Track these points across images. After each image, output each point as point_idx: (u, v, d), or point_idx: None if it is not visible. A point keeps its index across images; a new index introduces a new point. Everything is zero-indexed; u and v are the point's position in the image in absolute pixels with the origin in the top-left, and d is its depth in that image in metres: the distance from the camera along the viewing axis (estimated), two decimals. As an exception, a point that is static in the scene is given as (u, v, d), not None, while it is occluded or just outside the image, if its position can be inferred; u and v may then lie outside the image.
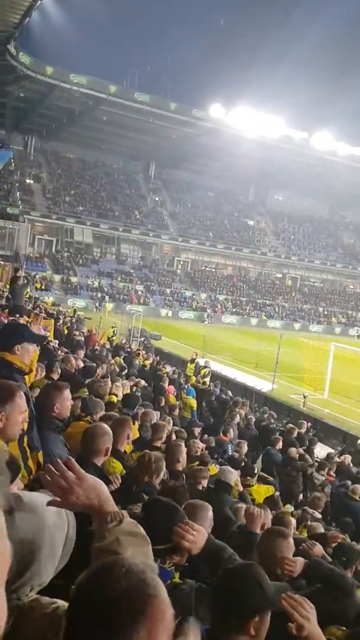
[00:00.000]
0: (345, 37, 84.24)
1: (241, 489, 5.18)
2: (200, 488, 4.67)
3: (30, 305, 19.60)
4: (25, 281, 15.70)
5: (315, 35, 76.62)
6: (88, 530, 1.41)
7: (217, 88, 73.03)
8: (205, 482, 4.83)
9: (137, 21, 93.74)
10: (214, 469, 5.73)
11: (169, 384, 14.20)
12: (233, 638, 1.73)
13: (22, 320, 7.28)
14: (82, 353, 12.40)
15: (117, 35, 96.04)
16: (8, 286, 15.69)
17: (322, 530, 5.55)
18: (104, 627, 0.91)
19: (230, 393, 16.73)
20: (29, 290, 21.79)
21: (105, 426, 3.47)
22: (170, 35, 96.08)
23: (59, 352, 10.70)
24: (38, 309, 17.06)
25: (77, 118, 52.93)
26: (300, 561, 2.80)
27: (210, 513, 3.17)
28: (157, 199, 63.00)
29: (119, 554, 1.26)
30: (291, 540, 3.07)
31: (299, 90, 69.70)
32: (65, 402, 3.84)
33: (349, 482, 8.68)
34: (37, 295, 29.35)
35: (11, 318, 8.12)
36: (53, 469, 1.43)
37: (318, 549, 3.43)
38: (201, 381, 16.93)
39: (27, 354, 3.51)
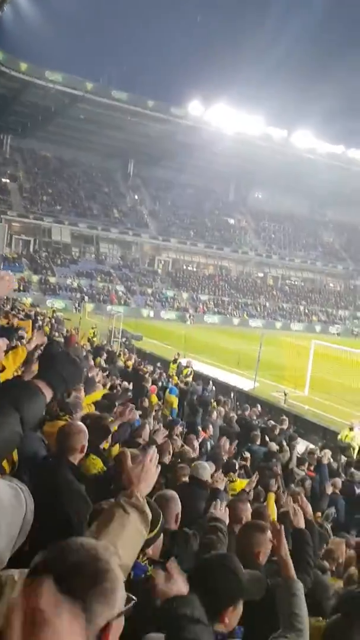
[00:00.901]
0: (324, 36, 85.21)
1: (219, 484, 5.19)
2: (178, 484, 4.68)
3: (8, 306, 19.39)
4: None
5: (293, 34, 77.31)
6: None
7: (196, 85, 73.49)
8: (185, 479, 4.84)
9: (114, 18, 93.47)
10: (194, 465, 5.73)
11: (151, 384, 14.18)
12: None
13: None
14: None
15: (93, 32, 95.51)
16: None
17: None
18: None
19: (212, 390, 16.76)
20: None
21: (81, 424, 3.43)
22: (148, 32, 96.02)
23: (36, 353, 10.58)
24: (15, 310, 16.90)
25: (53, 116, 52.47)
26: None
27: (179, 503, 3.24)
28: (136, 197, 62.83)
29: (127, 512, 1.53)
30: (269, 534, 3.10)
31: (278, 89, 70.34)
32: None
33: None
34: (14, 297, 29.06)
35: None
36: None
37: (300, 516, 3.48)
38: (183, 381, 16.95)
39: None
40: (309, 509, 3.79)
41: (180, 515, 3.25)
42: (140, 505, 1.59)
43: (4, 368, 3.68)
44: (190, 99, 55.70)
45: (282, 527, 2.69)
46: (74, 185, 58.59)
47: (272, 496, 6.06)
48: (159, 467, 1.82)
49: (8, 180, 54.01)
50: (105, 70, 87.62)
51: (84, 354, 15.25)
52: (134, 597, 1.15)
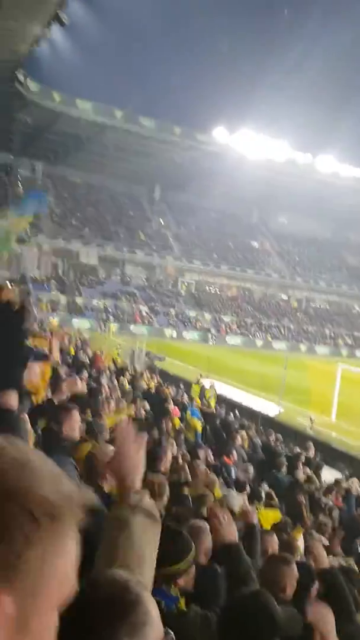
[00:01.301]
0: (347, 60, 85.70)
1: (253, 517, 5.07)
2: (205, 512, 4.59)
3: (35, 326, 19.62)
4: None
5: (317, 58, 77.94)
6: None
7: (221, 111, 74.21)
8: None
9: (140, 45, 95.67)
10: (218, 492, 5.64)
11: (174, 406, 14.09)
12: None
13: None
14: (86, 374, 12.35)
15: (121, 60, 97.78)
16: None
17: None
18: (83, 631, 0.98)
19: (235, 415, 16.58)
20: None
21: (107, 448, 3.40)
22: (174, 58, 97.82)
23: (64, 373, 10.65)
24: (43, 330, 17.08)
25: (83, 144, 53.75)
26: None
27: (209, 536, 3.11)
28: (161, 221, 63.51)
29: (129, 524, 1.33)
30: (294, 567, 3.03)
31: (302, 113, 70.83)
32: (74, 424, 3.81)
33: None
34: (42, 317, 29.44)
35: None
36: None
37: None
38: (206, 403, 16.83)
39: (32, 374, 3.48)
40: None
41: (210, 550, 3.17)
42: (142, 506, 1.38)
43: (37, 390, 3.71)
44: (216, 124, 56.63)
45: None
46: (102, 209, 59.62)
47: (299, 529, 5.92)
48: (141, 443, 1.44)
49: (39, 205, 55.26)
50: (132, 96, 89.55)
51: (108, 373, 15.31)
52: (170, 630, 1.13)
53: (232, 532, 2.61)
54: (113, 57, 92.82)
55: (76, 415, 3.76)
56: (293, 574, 3.01)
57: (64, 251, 52.26)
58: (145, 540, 1.35)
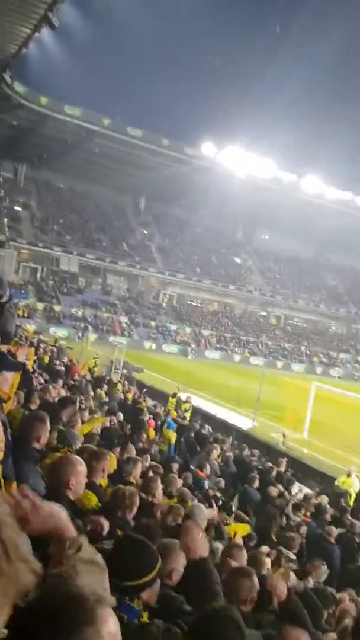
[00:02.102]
0: (334, 82, 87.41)
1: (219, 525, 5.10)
2: (174, 524, 4.61)
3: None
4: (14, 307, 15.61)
5: (304, 79, 79.15)
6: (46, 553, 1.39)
7: (210, 126, 75.02)
8: (180, 520, 4.76)
9: (132, 55, 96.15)
10: (189, 504, 5.65)
11: (150, 418, 14.09)
12: None
13: (3, 348, 7.21)
14: (61, 383, 12.28)
15: (112, 69, 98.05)
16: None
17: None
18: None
19: (209, 429, 16.61)
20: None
21: (75, 458, 3.39)
22: (165, 71, 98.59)
23: (38, 381, 10.61)
24: (19, 336, 16.95)
25: (69, 149, 53.49)
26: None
27: (181, 559, 3.03)
28: (145, 232, 63.60)
29: (74, 581, 1.24)
30: (255, 580, 3.06)
31: (288, 133, 71.49)
32: (46, 433, 3.81)
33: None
34: (18, 323, 29.12)
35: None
36: (12, 495, 1.43)
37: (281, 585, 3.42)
38: (182, 416, 16.85)
39: (5, 382, 3.49)
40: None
41: (178, 573, 3.09)
42: (81, 558, 1.33)
43: (9, 398, 3.70)
44: (204, 139, 56.86)
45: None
46: (85, 217, 59.44)
47: (266, 549, 5.94)
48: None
49: (20, 209, 54.85)
50: (121, 107, 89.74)
51: (84, 383, 15.26)
52: None
53: (203, 548, 2.61)
54: (103, 65, 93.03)
55: (48, 424, 3.76)
56: (253, 586, 3.04)
57: (44, 257, 51.87)
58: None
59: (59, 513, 1.44)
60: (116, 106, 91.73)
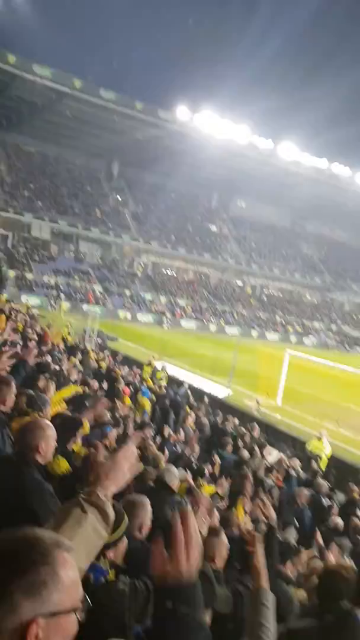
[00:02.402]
0: (310, 47, 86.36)
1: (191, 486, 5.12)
2: (147, 487, 4.61)
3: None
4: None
5: (279, 44, 78.18)
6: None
7: (184, 90, 73.74)
8: (151, 483, 4.77)
9: (106, 14, 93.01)
10: (162, 466, 5.65)
11: (125, 386, 14.08)
12: None
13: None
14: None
15: (84, 29, 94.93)
16: None
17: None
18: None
19: (185, 396, 16.71)
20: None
21: (44, 422, 3.31)
22: (139, 32, 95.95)
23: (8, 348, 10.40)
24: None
25: (40, 111, 51.73)
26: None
27: (149, 509, 3.15)
28: (119, 198, 62.60)
29: (81, 518, 1.42)
30: (223, 537, 3.11)
31: (265, 99, 70.92)
32: (12, 396, 3.73)
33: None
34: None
35: None
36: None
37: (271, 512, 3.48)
38: (157, 384, 16.90)
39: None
40: (273, 514, 3.75)
41: (146, 527, 3.15)
42: (100, 504, 1.49)
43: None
44: (178, 103, 55.66)
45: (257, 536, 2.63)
46: (57, 182, 58.08)
47: (240, 501, 6.04)
48: (136, 468, 1.70)
49: (-10, 174, 53.27)
50: (94, 68, 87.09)
51: (57, 350, 15.13)
52: (89, 601, 1.11)
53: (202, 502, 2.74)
54: (75, 23, 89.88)
55: (14, 387, 3.68)
56: (222, 544, 3.10)
57: (14, 223, 50.57)
58: (87, 537, 1.40)
59: (122, 472, 1.63)
60: (88, 67, 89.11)
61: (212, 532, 3.14)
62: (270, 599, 2.28)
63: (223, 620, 2.61)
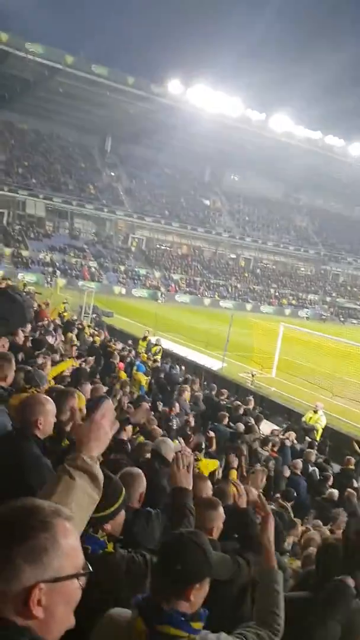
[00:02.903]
0: (304, 21, 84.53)
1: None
2: (142, 460, 4.71)
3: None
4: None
5: (273, 16, 76.40)
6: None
7: (176, 63, 72.47)
8: (148, 455, 4.87)
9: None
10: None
11: (120, 361, 14.17)
12: (172, 603, 1.73)
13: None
14: (30, 327, 12.16)
15: (75, 5, 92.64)
16: None
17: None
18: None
19: (180, 370, 16.85)
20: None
21: (43, 397, 3.38)
22: (130, 6, 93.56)
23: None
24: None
25: (32, 88, 51.13)
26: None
27: (144, 481, 3.22)
28: (112, 174, 61.99)
29: (71, 483, 1.44)
30: (220, 510, 3.16)
31: (258, 71, 69.74)
32: (12, 373, 3.79)
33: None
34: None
35: None
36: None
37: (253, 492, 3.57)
38: (152, 358, 17.01)
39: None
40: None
41: (144, 495, 3.23)
42: (87, 467, 1.50)
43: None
44: (171, 77, 54.93)
45: (270, 514, 2.51)
46: (50, 159, 57.43)
47: (233, 473, 6.16)
48: (116, 425, 1.70)
49: (-18, 151, 52.54)
50: (85, 43, 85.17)
51: (52, 327, 15.17)
52: (90, 568, 1.13)
53: (186, 481, 2.69)
54: (67, 2, 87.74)
55: (11, 363, 3.74)
56: (219, 516, 3.14)
57: (9, 201, 50.21)
58: (79, 502, 1.41)
59: (103, 435, 1.64)
60: (80, 43, 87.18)
61: (210, 504, 3.19)
62: (280, 581, 2.27)
63: (222, 587, 2.67)
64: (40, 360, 6.96)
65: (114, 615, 1.78)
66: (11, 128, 57.76)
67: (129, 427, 5.28)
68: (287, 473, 8.43)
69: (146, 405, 7.84)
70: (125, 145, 63.14)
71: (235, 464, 6.43)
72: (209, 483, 4.05)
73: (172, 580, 1.77)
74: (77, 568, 1.09)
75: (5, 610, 1.01)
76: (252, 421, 10.65)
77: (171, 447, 4.74)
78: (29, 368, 5.38)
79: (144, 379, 13.70)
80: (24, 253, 45.55)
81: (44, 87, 50.71)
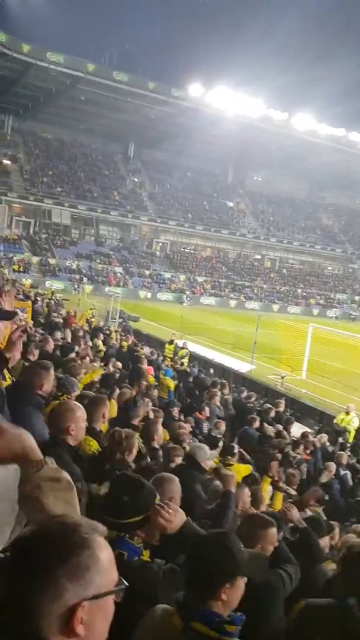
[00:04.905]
0: (326, 18, 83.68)
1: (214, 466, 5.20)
2: (174, 466, 4.69)
3: (8, 287, 19.31)
4: None
5: (295, 16, 75.85)
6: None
7: (197, 67, 72.09)
8: (179, 460, 4.84)
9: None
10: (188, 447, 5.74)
11: (147, 365, 14.17)
12: (205, 603, 1.77)
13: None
14: (59, 335, 12.31)
15: (95, 13, 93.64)
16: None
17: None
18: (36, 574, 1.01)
19: (209, 373, 16.80)
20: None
21: (74, 404, 3.39)
22: (149, 12, 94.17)
23: (36, 334, 10.61)
24: (15, 290, 16.83)
25: (55, 97, 51.98)
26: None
27: (178, 486, 3.14)
28: (136, 180, 62.38)
29: (40, 500, 1.31)
30: (271, 530, 2.99)
31: (279, 71, 69.11)
32: (50, 382, 3.84)
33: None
34: (14, 277, 28.99)
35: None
36: None
37: (294, 512, 3.50)
38: (179, 362, 16.98)
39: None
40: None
41: (178, 500, 3.18)
42: (45, 475, 1.35)
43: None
44: (191, 80, 55.02)
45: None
46: (74, 167, 58.17)
47: (267, 480, 6.09)
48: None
49: (9, 162, 53.48)
50: (106, 51, 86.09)
51: (81, 332, 15.31)
52: (125, 582, 1.12)
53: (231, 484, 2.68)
54: (85, 8, 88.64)
55: (52, 372, 3.81)
56: (268, 538, 2.95)
57: (35, 210, 51.05)
58: (58, 507, 1.33)
59: (26, 436, 1.41)
60: (100, 51, 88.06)
61: (260, 524, 3.01)
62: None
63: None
64: (70, 367, 7.01)
65: (157, 610, 1.87)
66: (35, 138, 58.74)
67: (160, 434, 5.25)
68: (325, 479, 8.27)
69: (147, 400, 7.76)
70: (148, 151, 63.57)
71: (271, 471, 6.33)
72: (247, 490, 4.01)
73: (202, 579, 1.82)
74: (113, 582, 1.09)
75: (47, 630, 1.00)
76: (283, 424, 10.53)
77: (207, 453, 4.71)
78: (60, 375, 5.42)
79: (172, 384, 13.65)
80: (51, 261, 46.21)
81: (66, 95, 51.45)
